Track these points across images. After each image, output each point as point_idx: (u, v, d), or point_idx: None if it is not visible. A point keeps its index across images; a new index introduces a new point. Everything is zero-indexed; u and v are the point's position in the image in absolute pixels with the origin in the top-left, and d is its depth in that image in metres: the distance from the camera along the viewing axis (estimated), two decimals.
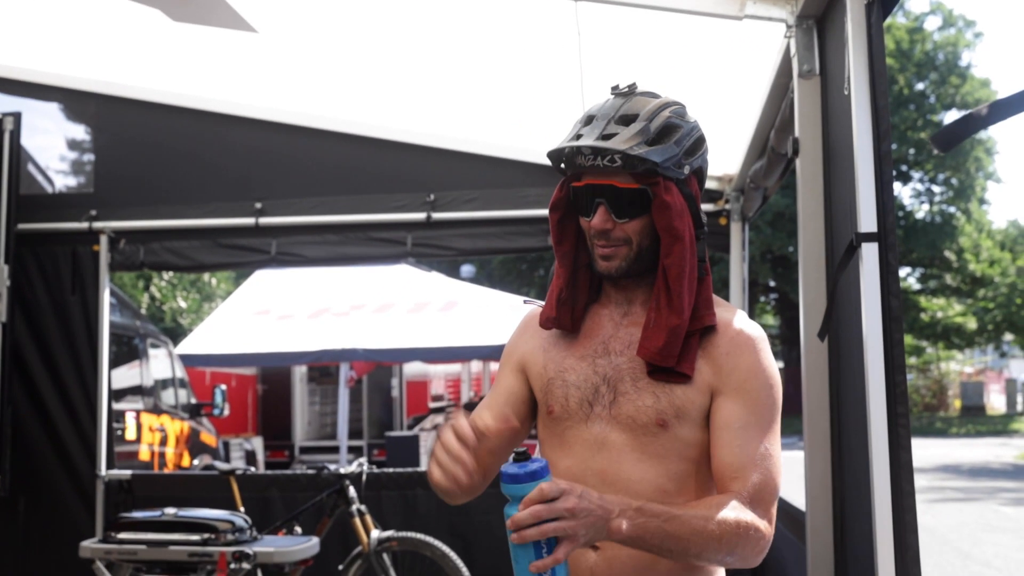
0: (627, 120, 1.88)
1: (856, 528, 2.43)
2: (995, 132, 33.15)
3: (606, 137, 1.85)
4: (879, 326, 2.07)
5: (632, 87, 1.94)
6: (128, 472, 5.75)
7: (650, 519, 1.69)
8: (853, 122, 2.21)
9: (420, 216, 5.50)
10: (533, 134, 5.18)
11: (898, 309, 2.07)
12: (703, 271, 1.91)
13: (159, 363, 10.16)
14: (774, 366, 1.90)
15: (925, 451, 21.22)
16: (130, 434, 8.89)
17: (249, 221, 5.57)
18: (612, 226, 1.89)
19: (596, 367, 1.94)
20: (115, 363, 7.70)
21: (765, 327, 34.97)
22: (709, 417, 1.88)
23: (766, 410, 1.86)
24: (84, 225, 5.62)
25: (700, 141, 1.94)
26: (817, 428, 2.81)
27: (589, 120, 1.91)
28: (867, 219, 2.14)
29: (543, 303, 2.07)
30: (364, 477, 5.53)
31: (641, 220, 1.89)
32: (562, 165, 1.94)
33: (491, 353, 12.01)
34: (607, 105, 1.93)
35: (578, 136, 1.89)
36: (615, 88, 1.95)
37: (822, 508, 2.76)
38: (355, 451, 13.85)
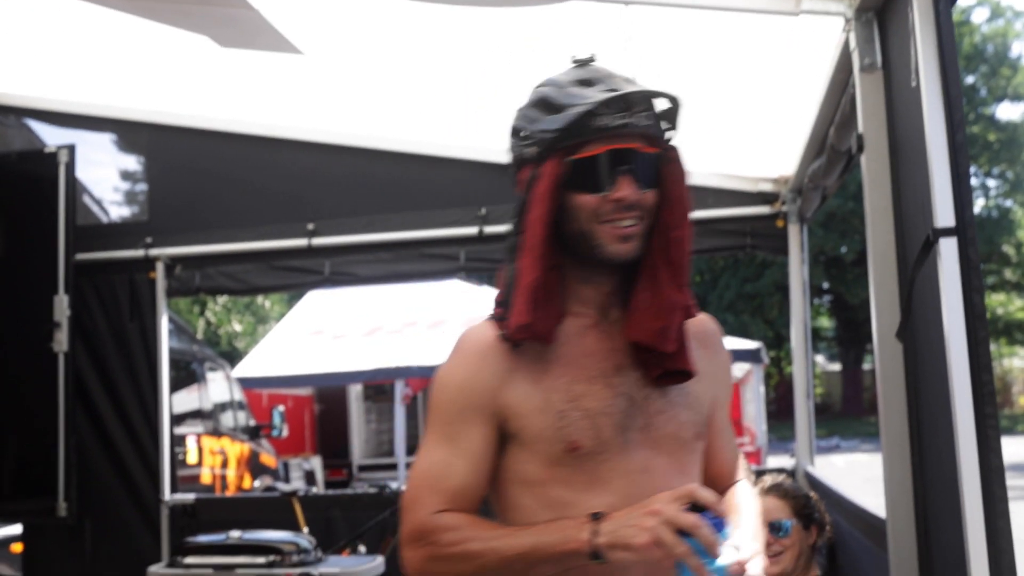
0: (627, 81, 1.69)
1: (943, 535, 2.34)
2: None
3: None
4: (962, 324, 1.99)
5: (592, 57, 1.74)
6: (191, 496, 5.77)
7: None
8: (924, 113, 2.13)
9: (472, 230, 5.47)
10: None
11: (981, 305, 1.99)
12: None
13: (217, 386, 10.24)
14: None
15: None
16: (191, 458, 8.96)
17: (302, 242, 5.57)
18: (639, 198, 1.65)
19: (615, 387, 1.67)
20: (174, 388, 7.75)
21: (821, 329, 34.55)
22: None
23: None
24: (140, 253, 5.66)
25: None
26: (895, 431, 2.71)
27: (588, 83, 1.67)
28: (944, 213, 2.05)
29: (487, 320, 1.81)
30: None
31: (655, 192, 1.68)
32: (556, 134, 1.64)
33: None
34: (592, 68, 1.71)
35: (608, 90, 1.63)
36: (575, 59, 1.75)
37: (904, 514, 2.67)
38: None
